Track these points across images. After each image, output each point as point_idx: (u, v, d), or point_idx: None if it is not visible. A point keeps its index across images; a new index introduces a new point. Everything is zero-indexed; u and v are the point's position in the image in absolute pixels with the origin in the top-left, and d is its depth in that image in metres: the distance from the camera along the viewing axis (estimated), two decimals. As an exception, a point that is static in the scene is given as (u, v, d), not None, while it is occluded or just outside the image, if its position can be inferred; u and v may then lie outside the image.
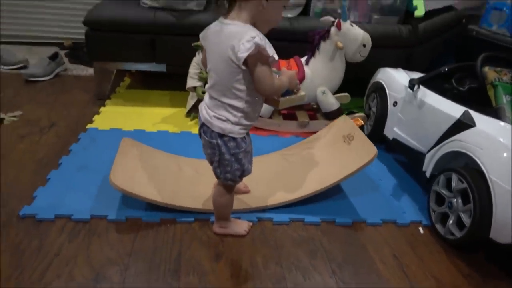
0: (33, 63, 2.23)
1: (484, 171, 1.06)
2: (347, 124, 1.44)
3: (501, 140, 1.07)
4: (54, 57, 2.23)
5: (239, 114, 0.95)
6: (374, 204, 1.32)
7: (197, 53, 1.76)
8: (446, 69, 1.47)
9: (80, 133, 1.61)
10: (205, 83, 1.74)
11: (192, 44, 1.70)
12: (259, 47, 0.86)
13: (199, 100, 1.78)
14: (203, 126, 1.00)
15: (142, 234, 1.11)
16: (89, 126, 1.68)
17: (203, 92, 1.72)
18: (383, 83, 1.68)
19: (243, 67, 0.89)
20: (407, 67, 2.01)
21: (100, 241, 1.07)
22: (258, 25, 0.92)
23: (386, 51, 2.00)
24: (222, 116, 0.95)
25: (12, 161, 1.39)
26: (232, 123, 0.95)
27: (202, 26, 1.77)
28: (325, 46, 1.73)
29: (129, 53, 1.89)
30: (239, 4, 0.90)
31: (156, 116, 1.83)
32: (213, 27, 0.96)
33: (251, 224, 1.16)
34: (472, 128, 1.16)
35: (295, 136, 1.77)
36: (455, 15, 2.05)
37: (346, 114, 1.88)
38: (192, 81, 1.75)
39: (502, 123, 1.14)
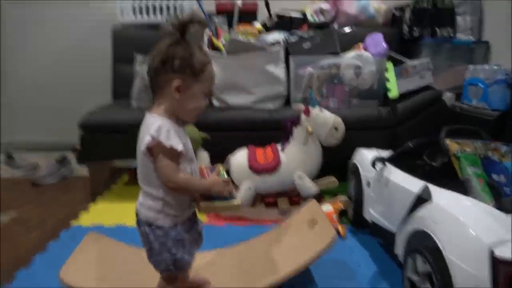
0: (41, 167, 2.41)
1: (441, 248, 0.98)
2: (313, 209, 1.41)
3: (455, 213, 1.00)
4: (61, 160, 2.42)
5: (160, 203, 0.96)
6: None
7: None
8: (411, 145, 1.45)
9: (62, 230, 1.66)
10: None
11: (171, 140, 1.81)
12: (155, 139, 0.90)
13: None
14: (136, 215, 1.02)
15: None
16: (73, 223, 1.74)
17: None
18: (357, 164, 1.67)
19: (151, 158, 0.93)
20: (393, 146, 2.02)
21: None
22: (181, 114, 0.97)
23: (368, 133, 2.04)
24: (146, 204, 0.98)
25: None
26: (155, 211, 0.97)
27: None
28: (297, 132, 1.79)
29: (121, 152, 2.01)
30: (156, 97, 0.97)
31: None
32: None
33: None
34: (428, 203, 1.10)
35: (277, 224, 1.73)
36: (433, 94, 2.08)
37: (331, 198, 1.85)
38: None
39: (459, 196, 1.08)
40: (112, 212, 1.87)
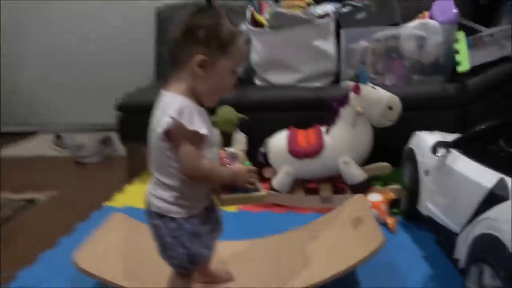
0: (86, 146, 2.44)
1: (519, 262, 0.74)
2: (359, 205, 1.21)
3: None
4: (105, 141, 2.43)
5: (175, 193, 0.84)
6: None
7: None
8: (484, 128, 1.18)
9: (94, 211, 1.62)
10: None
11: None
12: (176, 122, 0.78)
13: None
14: (147, 205, 0.90)
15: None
16: (106, 204, 1.70)
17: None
18: (414, 149, 1.42)
19: (169, 143, 0.81)
20: (463, 129, 1.73)
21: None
22: (202, 95, 0.84)
23: (432, 113, 1.76)
24: (158, 194, 0.86)
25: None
26: (168, 202, 0.85)
27: (228, 102, 1.75)
28: (345, 112, 1.57)
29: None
30: (176, 73, 0.84)
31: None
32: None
33: None
34: (506, 202, 0.85)
35: (318, 213, 1.55)
36: (515, 65, 1.74)
37: (382, 186, 1.62)
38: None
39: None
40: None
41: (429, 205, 1.24)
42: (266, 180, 1.66)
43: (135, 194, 1.82)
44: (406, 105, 1.69)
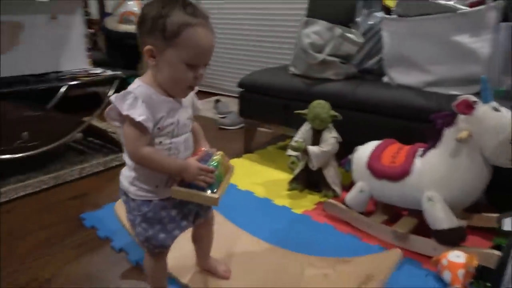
0: (231, 114, 2.68)
1: None
2: (386, 262, 0.95)
3: None
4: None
5: (133, 174, 0.88)
6: None
7: (305, 123, 1.63)
8: None
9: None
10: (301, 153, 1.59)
11: (294, 112, 1.61)
12: (113, 104, 0.81)
13: (302, 171, 1.64)
14: None
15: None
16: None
17: (292, 163, 1.58)
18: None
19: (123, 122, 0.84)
20: None
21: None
22: (163, 85, 0.85)
23: None
24: (123, 172, 0.92)
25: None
26: (128, 182, 0.89)
27: (330, 95, 1.66)
28: (449, 135, 1.19)
29: (268, 115, 1.98)
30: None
31: (268, 177, 1.80)
32: None
33: None
34: None
35: (384, 248, 1.28)
36: None
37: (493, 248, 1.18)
38: (289, 150, 1.63)
39: None
40: (240, 171, 1.84)
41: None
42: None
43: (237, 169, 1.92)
44: None
